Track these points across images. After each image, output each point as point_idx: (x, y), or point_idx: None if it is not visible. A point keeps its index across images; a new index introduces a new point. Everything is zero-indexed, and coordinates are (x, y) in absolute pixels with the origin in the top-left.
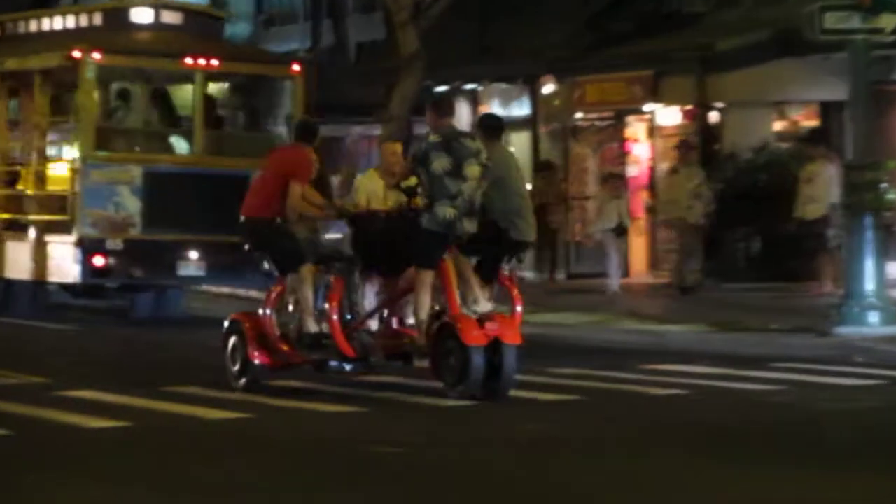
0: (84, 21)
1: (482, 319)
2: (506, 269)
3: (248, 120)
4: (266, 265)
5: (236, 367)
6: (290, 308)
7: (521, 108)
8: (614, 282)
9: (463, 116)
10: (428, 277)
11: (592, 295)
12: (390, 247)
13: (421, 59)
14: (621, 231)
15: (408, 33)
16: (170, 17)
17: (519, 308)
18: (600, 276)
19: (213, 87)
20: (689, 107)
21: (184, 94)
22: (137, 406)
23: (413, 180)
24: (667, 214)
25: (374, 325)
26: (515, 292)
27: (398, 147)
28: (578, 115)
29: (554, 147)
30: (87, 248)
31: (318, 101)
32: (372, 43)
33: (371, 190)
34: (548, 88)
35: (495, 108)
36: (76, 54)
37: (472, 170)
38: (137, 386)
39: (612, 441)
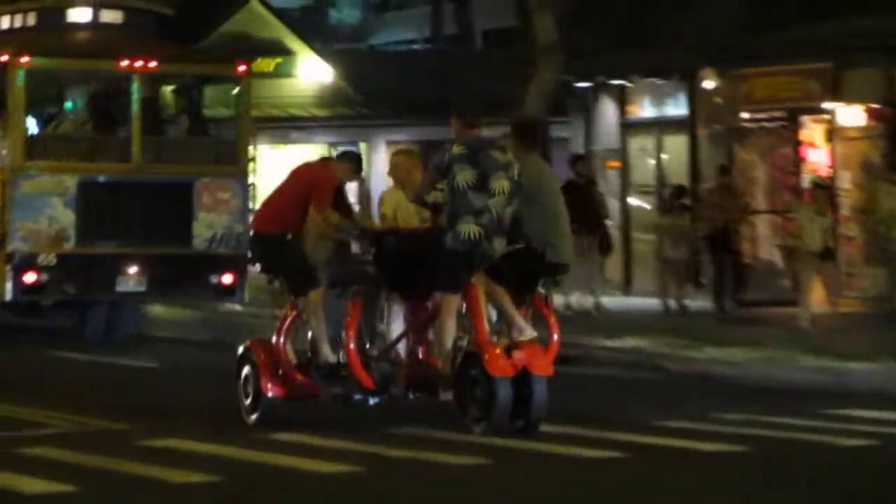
0: (18, 22)
1: (510, 348)
2: (542, 294)
3: (192, 124)
4: (274, 284)
5: (248, 401)
6: (310, 335)
7: (677, 107)
8: (808, 314)
9: (609, 118)
10: (453, 302)
11: (770, 327)
12: (414, 268)
13: (559, 49)
14: (828, 255)
15: (544, 20)
16: (109, 17)
17: (556, 336)
18: (772, 303)
19: (159, 90)
20: (875, 105)
21: (129, 99)
22: (228, 456)
23: (438, 195)
24: (869, 233)
25: (403, 353)
26: (552, 319)
27: (405, 158)
28: (744, 115)
29: (715, 152)
30: (18, 264)
31: (438, 98)
32: (501, 31)
33: (397, 203)
34: (708, 84)
35: (646, 106)
36: (3, 58)
37: (501, 184)
38: (224, 431)
39: None
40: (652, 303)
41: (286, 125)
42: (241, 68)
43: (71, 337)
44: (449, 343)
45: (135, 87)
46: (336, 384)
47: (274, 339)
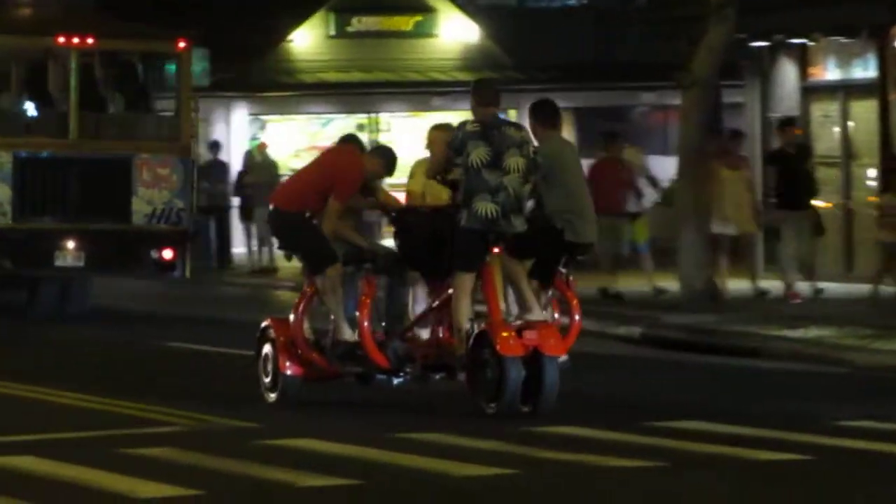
0: None
1: (521, 328)
2: (562, 274)
3: (131, 100)
4: (293, 259)
5: (268, 379)
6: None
7: (865, 69)
8: None
9: (788, 81)
10: (467, 281)
11: None
12: (434, 247)
13: (732, 5)
14: None
15: None
16: None
17: (577, 317)
18: None
19: (97, 66)
20: None
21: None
22: (362, 457)
23: (458, 172)
24: None
25: (424, 333)
26: (574, 300)
27: (443, 132)
28: None
29: None
30: None
31: (597, 60)
32: None
33: (427, 180)
34: None
35: (830, 68)
36: None
37: (515, 161)
38: (359, 432)
39: None
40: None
41: (426, 90)
42: (181, 44)
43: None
44: (464, 323)
45: (72, 63)
46: (352, 364)
47: (291, 317)
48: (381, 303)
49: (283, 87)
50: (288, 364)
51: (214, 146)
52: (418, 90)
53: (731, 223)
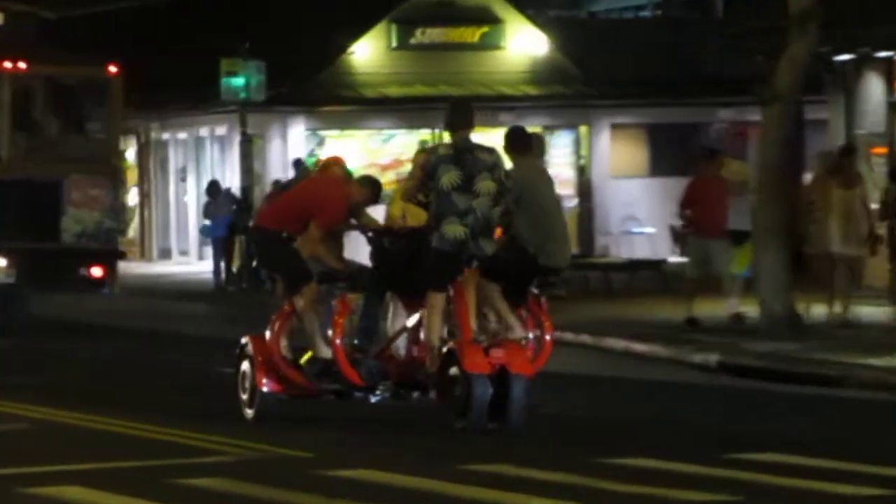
0: None
1: (489, 347)
2: (534, 292)
3: (63, 124)
4: (271, 281)
5: (245, 396)
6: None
7: None
8: None
9: (874, 97)
10: (438, 300)
11: None
12: (409, 267)
13: (816, 16)
14: None
15: None
16: None
17: (548, 337)
18: None
19: (30, 90)
20: None
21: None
22: (431, 490)
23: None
24: None
25: (402, 350)
26: (545, 319)
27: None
28: None
29: None
30: None
31: (670, 73)
32: None
33: (407, 203)
34: None
35: None
36: None
37: (485, 185)
38: (414, 461)
39: None
40: None
41: (493, 105)
42: (112, 69)
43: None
44: (435, 340)
45: (5, 88)
46: (329, 381)
47: (267, 334)
48: (354, 321)
49: (342, 102)
50: (265, 381)
51: (297, 164)
52: (484, 105)
53: (850, 243)
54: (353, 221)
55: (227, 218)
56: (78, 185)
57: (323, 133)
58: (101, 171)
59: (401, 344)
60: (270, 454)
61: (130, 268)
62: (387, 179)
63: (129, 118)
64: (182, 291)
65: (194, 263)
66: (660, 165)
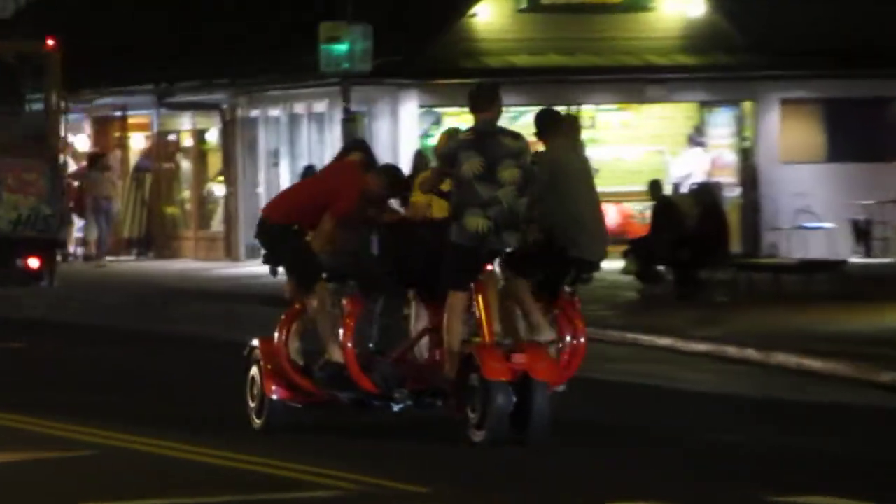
0: None
1: (511, 351)
2: (567, 292)
3: None
4: (276, 274)
5: (254, 404)
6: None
7: None
8: None
9: None
10: (459, 300)
11: None
12: (427, 264)
13: None
14: None
15: None
16: None
17: (582, 340)
18: None
19: None
20: None
21: None
22: None
23: (450, 184)
24: None
25: (425, 355)
26: (578, 320)
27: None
28: None
29: None
30: None
31: (851, 42)
32: None
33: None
34: None
35: None
36: None
37: (509, 173)
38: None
39: None
40: None
41: (640, 77)
42: (50, 43)
43: None
44: (455, 344)
45: None
46: (340, 387)
47: (276, 337)
48: (370, 323)
49: (462, 73)
50: (275, 388)
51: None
52: (630, 77)
53: None
54: (371, 214)
55: None
56: (13, 170)
57: (440, 110)
58: (38, 153)
59: (423, 348)
60: (381, 489)
61: (216, 269)
62: None
63: (212, 92)
64: (272, 297)
65: None
66: (839, 149)
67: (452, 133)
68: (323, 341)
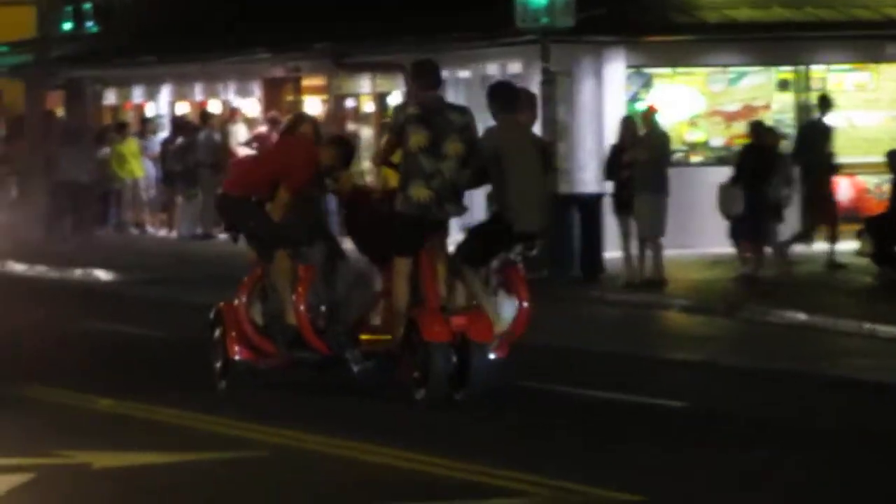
0: None
1: (449, 313)
2: (510, 261)
3: None
4: (237, 241)
5: (218, 365)
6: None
7: None
8: None
9: None
10: (403, 265)
11: None
12: (381, 231)
13: None
14: None
15: None
16: None
17: (525, 305)
18: None
19: None
20: None
21: None
22: None
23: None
24: None
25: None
26: (522, 289)
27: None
28: None
29: None
30: None
31: None
32: None
33: None
34: None
35: None
36: None
37: (454, 147)
38: None
39: None
40: None
41: (877, 34)
42: None
43: None
44: (401, 307)
45: None
46: (300, 349)
47: (236, 301)
48: (320, 287)
49: (675, 30)
50: (237, 349)
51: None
52: (866, 33)
53: None
54: (328, 185)
55: None
56: None
57: (650, 71)
58: None
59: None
60: (588, 496)
61: None
62: (734, 132)
63: (394, 51)
64: None
65: None
66: None
67: (401, 108)
68: (282, 305)
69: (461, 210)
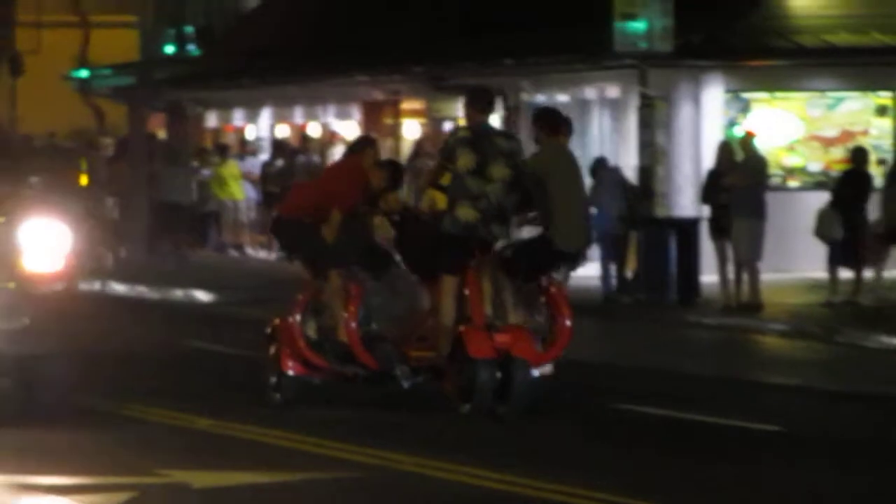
0: None
1: (495, 332)
2: (556, 280)
3: None
4: (292, 261)
5: (273, 380)
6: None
7: None
8: None
9: None
10: (450, 284)
11: None
12: (429, 251)
13: None
14: None
15: None
16: None
17: (567, 323)
18: None
19: None
20: None
21: None
22: None
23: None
24: None
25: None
26: (564, 307)
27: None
28: None
29: None
30: None
31: None
32: None
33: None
34: None
35: None
36: None
37: (499, 171)
38: None
39: None
40: None
41: None
42: None
43: None
44: (448, 324)
45: None
46: (351, 364)
47: (290, 318)
48: (376, 304)
49: (773, 54)
50: (291, 364)
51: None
52: None
53: None
54: (380, 207)
55: (622, 205)
56: None
57: (748, 95)
58: None
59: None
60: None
61: None
62: (832, 157)
63: (492, 74)
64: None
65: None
66: None
67: (452, 132)
68: (334, 322)
69: (507, 232)
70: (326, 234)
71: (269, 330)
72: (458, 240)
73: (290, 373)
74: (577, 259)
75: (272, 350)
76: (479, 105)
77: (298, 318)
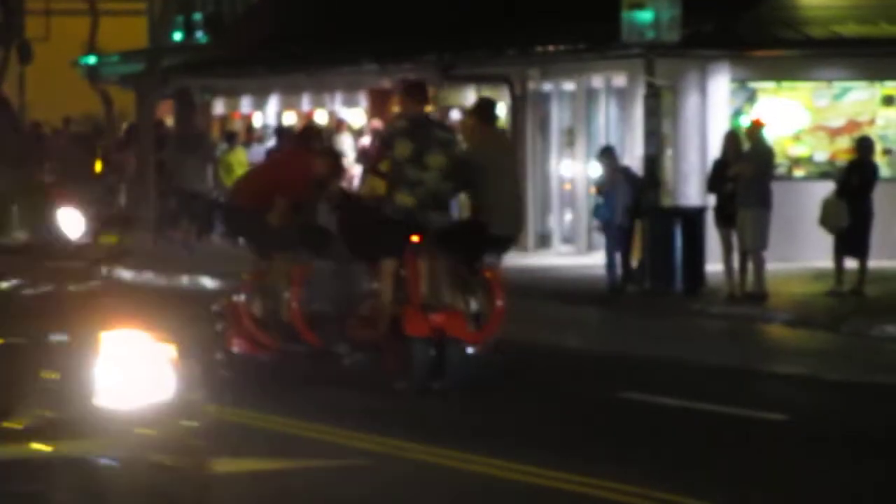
0: None
1: (430, 311)
2: (489, 263)
3: None
4: (237, 244)
5: (219, 356)
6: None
7: None
8: None
9: None
10: (387, 266)
11: None
12: (369, 234)
13: None
14: None
15: None
16: None
17: (500, 303)
18: None
19: None
20: None
21: None
22: None
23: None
24: None
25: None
26: (498, 289)
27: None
28: None
29: None
30: None
31: None
32: None
33: None
34: None
35: None
36: None
37: (435, 160)
38: None
39: None
40: None
41: None
42: None
43: None
44: (386, 304)
45: None
46: (293, 343)
47: (236, 298)
48: (319, 285)
49: (780, 44)
50: (236, 341)
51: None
52: None
53: None
54: (326, 192)
55: (629, 195)
56: None
57: (754, 85)
58: None
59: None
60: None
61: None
62: (838, 147)
63: (500, 63)
64: (565, 291)
65: (582, 255)
66: None
67: (391, 122)
68: (279, 302)
69: (445, 218)
70: (272, 219)
71: (216, 308)
72: (397, 224)
73: (235, 349)
74: (509, 243)
75: (218, 329)
76: (417, 97)
77: (244, 297)
